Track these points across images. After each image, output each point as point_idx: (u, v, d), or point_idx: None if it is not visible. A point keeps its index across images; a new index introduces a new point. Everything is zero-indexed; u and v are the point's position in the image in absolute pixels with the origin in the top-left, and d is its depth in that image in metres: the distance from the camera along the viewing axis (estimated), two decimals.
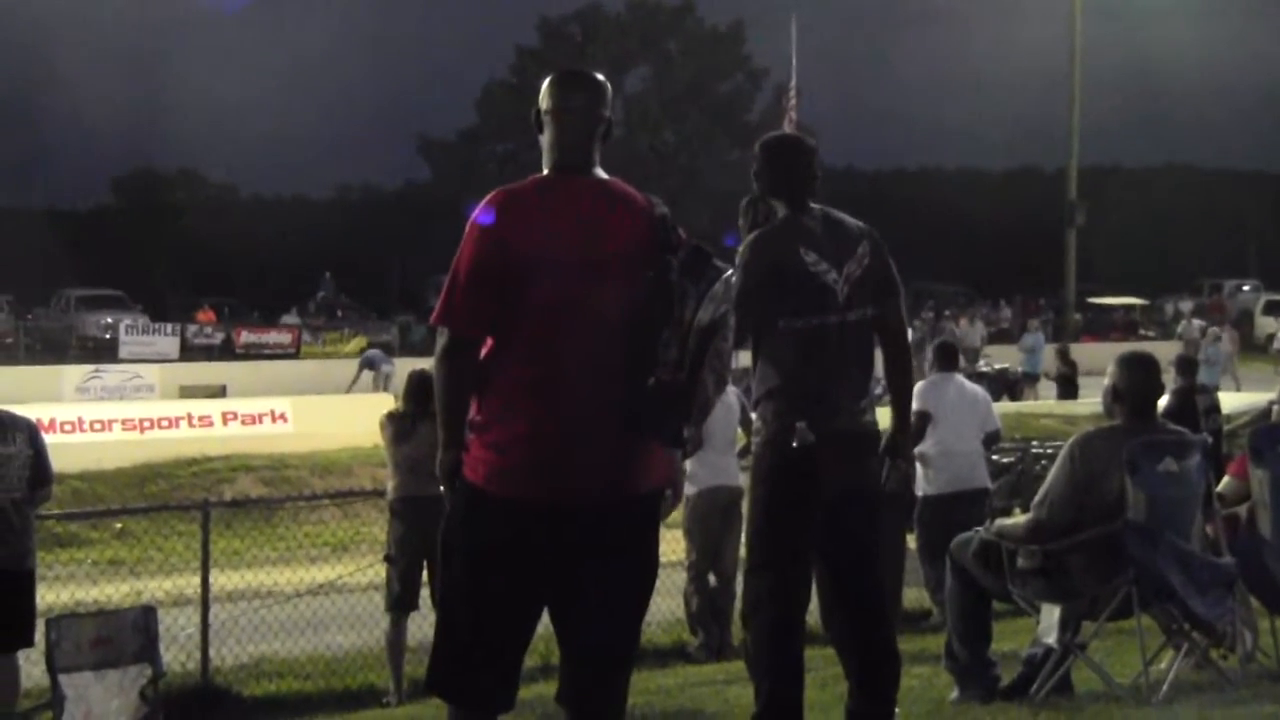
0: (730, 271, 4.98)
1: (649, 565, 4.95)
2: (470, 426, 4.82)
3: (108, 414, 30.49)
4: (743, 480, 11.69)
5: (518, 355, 4.76)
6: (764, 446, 6.14)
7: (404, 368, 26.70)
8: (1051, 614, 7.17)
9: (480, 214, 4.82)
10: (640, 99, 67.94)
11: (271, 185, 71.70)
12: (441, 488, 4.93)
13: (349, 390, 38.16)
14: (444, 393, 4.84)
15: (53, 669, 8.66)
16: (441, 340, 4.83)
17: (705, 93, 68.46)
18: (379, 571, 11.72)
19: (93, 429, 28.64)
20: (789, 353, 6.03)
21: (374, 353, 41.08)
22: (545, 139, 4.97)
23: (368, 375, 39.70)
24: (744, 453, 11.93)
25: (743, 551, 10.29)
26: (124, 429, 29.58)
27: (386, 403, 30.25)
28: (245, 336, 48.12)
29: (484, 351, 4.81)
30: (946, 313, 51.76)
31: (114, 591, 16.12)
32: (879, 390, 6.29)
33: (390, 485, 11.26)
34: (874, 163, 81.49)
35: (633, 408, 4.69)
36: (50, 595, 12.67)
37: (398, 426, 11.26)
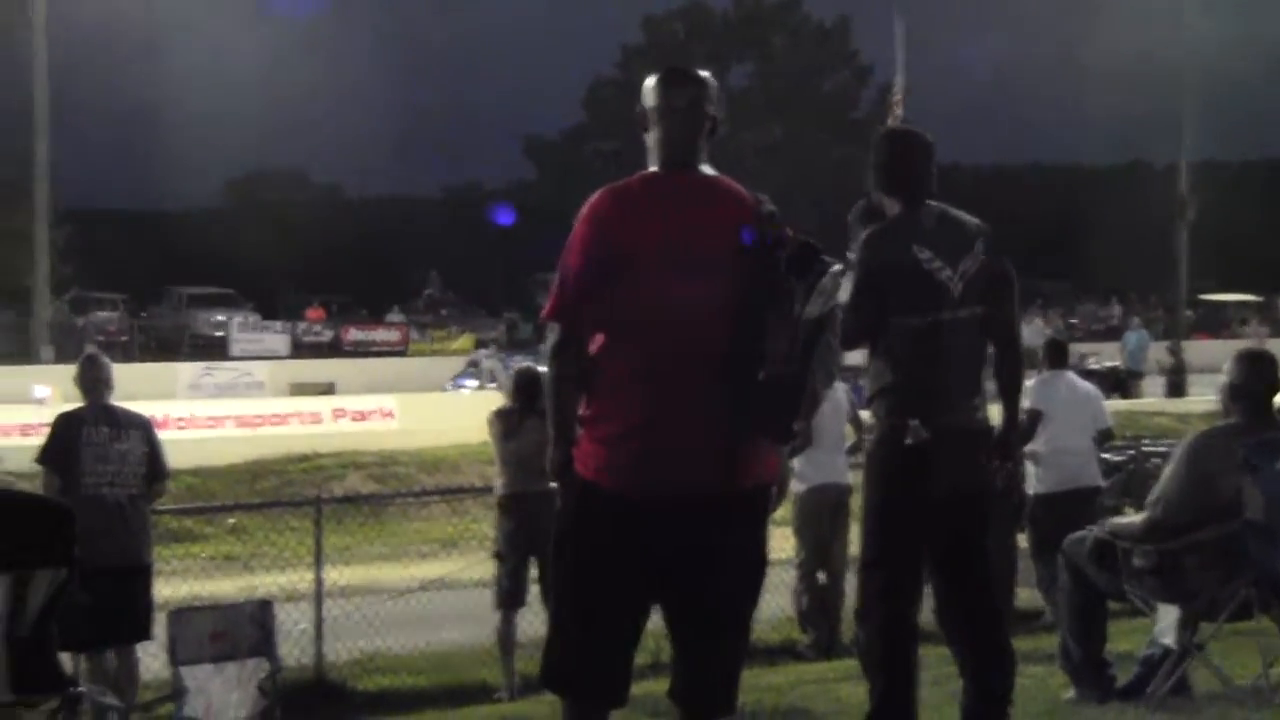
0: (838, 266, 4.97)
1: (757, 561, 4.95)
2: (580, 421, 4.84)
3: (220, 411, 31.00)
4: (851, 478, 11.67)
5: (625, 350, 4.77)
6: (877, 444, 6.14)
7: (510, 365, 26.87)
8: (1169, 614, 7.09)
9: (587, 211, 4.84)
10: (744, 96, 67.79)
11: (378, 186, 72.15)
12: (551, 483, 4.95)
13: (452, 385, 38.45)
14: (554, 388, 4.89)
15: (174, 661, 8.77)
16: (551, 336, 4.88)
17: (810, 89, 68.18)
18: (488, 568, 11.77)
19: (205, 425, 29.08)
20: (903, 350, 6.02)
21: (481, 351, 41.37)
22: (651, 137, 4.95)
23: (473, 371, 39.99)
24: (853, 450, 11.91)
25: (853, 549, 10.28)
26: (235, 425, 30.05)
27: (493, 399, 30.42)
28: (353, 334, 48.64)
29: (593, 347, 4.83)
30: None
31: (228, 586, 16.32)
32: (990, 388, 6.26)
33: (498, 482, 11.32)
34: (980, 158, 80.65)
35: (740, 403, 4.69)
36: (166, 589, 12.82)
37: (505, 423, 11.30)
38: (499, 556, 11.19)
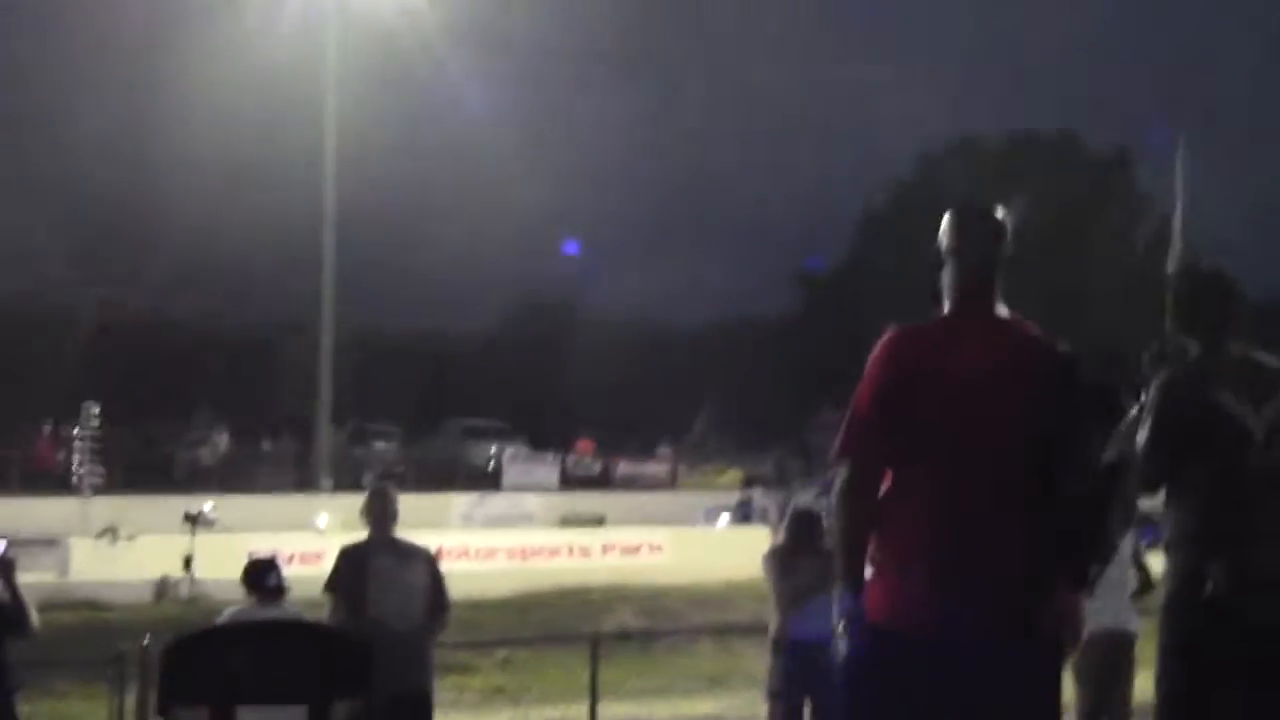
0: (1137, 409, 4.89)
1: (1051, 708, 4.85)
2: (869, 562, 4.80)
3: (492, 542, 31.49)
4: (1136, 624, 11.33)
5: (915, 491, 4.75)
6: (1174, 594, 5.94)
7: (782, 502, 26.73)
8: None
9: (880, 350, 4.85)
10: (1019, 231, 66.82)
11: (647, 314, 72.86)
12: (837, 624, 4.90)
13: (706, 519, 38.55)
14: (844, 527, 4.85)
15: None
16: (842, 474, 4.85)
17: (1087, 223, 67.05)
18: (757, 706, 11.68)
19: (477, 557, 29.54)
20: (1203, 496, 5.83)
21: (752, 491, 41.39)
22: (946, 276, 4.95)
23: (736, 506, 40.03)
24: (1137, 595, 11.57)
25: (1138, 696, 9.96)
26: (507, 557, 30.53)
27: (762, 536, 30.44)
28: (623, 467, 49.00)
29: (883, 486, 4.80)
30: None
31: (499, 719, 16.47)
32: None
33: (773, 621, 11.24)
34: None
35: (1035, 547, 4.63)
36: None
37: (781, 561, 11.24)
38: (773, 696, 11.10)
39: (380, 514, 9.94)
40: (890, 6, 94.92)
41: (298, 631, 6.45)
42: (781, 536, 11.82)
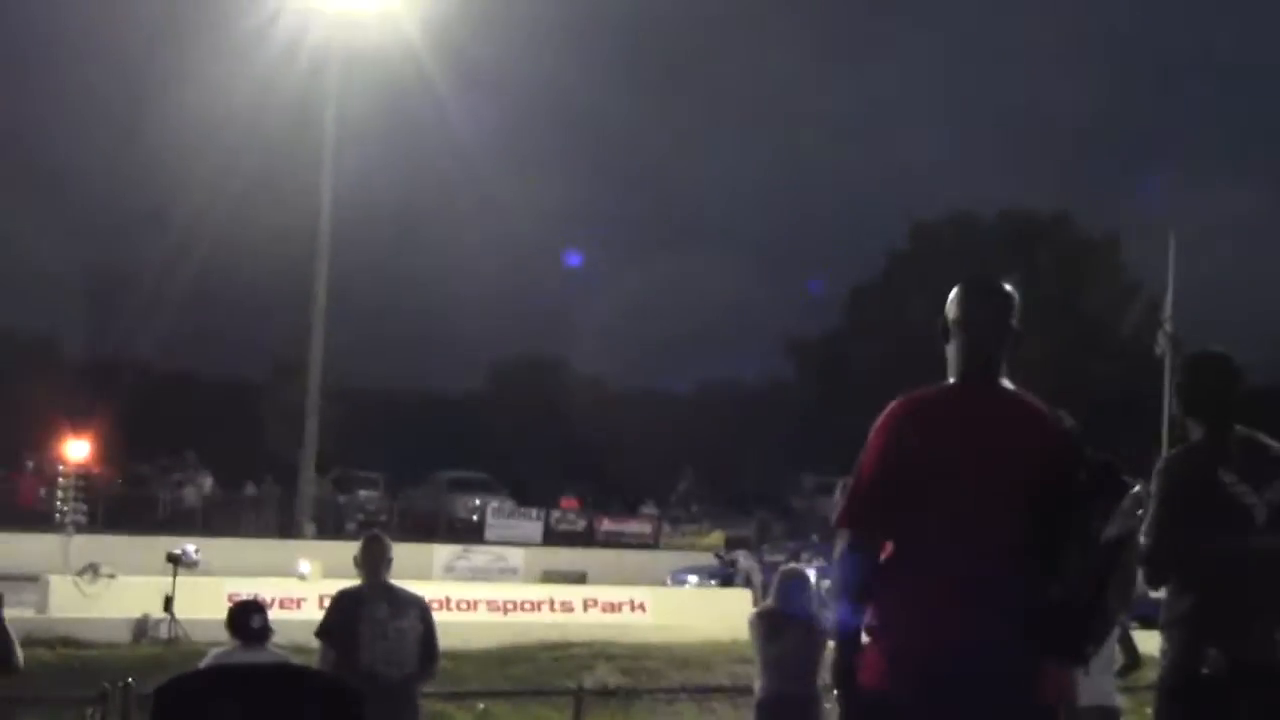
0: (1139, 487, 4.90)
1: None
2: (866, 630, 4.82)
3: (474, 595, 31.34)
4: (1119, 701, 11.34)
5: (916, 561, 4.76)
6: (1169, 672, 5.95)
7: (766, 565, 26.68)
8: None
9: (884, 419, 4.85)
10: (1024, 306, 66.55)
11: (635, 378, 73.09)
12: (831, 689, 4.93)
13: (672, 580, 38.54)
14: (841, 594, 4.86)
15: None
16: (841, 542, 4.86)
17: (1075, 303, 67.04)
18: None
19: (459, 608, 29.40)
20: (1203, 576, 5.85)
21: (737, 553, 41.38)
22: (951, 348, 4.96)
23: (721, 567, 39.94)
24: (1123, 672, 11.57)
25: None
26: (489, 610, 30.35)
27: (744, 598, 30.41)
28: (606, 525, 48.97)
29: (882, 555, 4.82)
30: None
31: None
32: None
33: (757, 684, 11.23)
34: (1265, 380, 77.60)
35: (1032, 622, 4.63)
36: None
37: (768, 624, 11.25)
38: None
39: (375, 561, 9.95)
40: (889, 80, 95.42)
41: (295, 677, 6.45)
42: (767, 599, 11.83)
